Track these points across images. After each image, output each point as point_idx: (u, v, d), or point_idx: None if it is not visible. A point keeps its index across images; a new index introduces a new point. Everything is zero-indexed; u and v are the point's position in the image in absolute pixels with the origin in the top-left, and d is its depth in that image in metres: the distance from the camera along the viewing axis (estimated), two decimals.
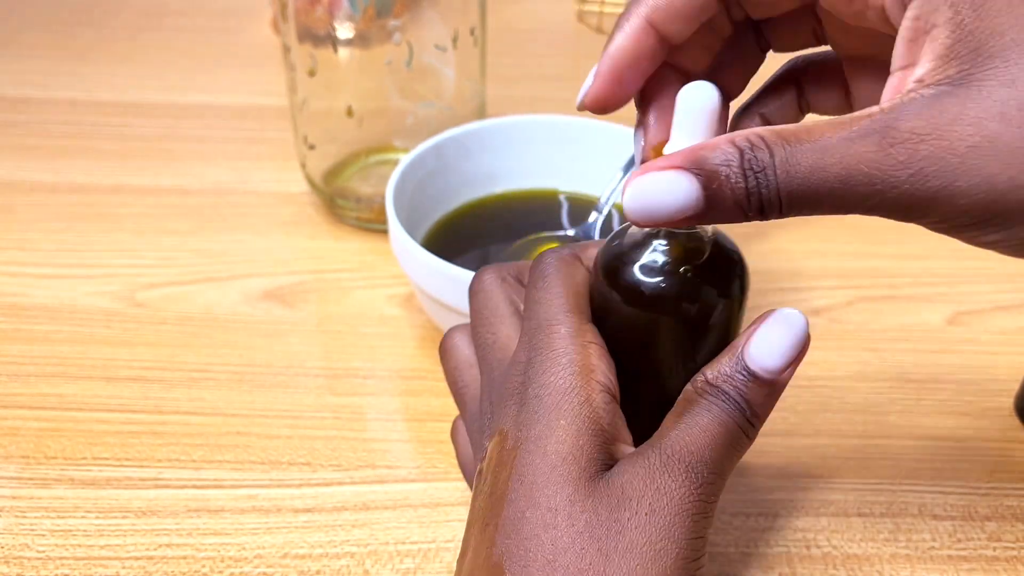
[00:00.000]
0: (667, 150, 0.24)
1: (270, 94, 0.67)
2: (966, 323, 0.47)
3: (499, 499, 0.24)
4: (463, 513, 0.37)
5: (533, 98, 0.68)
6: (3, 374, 0.43)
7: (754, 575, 0.35)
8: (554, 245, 0.45)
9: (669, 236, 0.25)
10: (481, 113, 0.55)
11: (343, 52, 0.50)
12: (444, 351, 0.30)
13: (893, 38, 0.24)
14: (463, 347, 0.30)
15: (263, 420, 0.41)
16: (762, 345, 0.24)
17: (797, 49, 0.29)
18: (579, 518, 0.23)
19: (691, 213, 0.22)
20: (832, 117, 0.22)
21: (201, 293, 0.48)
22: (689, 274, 0.25)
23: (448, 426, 0.34)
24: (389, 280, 0.50)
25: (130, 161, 0.60)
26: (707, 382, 0.24)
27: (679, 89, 0.24)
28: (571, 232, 0.46)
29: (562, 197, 0.51)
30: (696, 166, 0.22)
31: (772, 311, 0.25)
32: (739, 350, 0.24)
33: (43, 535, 0.35)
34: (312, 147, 0.53)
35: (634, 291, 0.25)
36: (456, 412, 0.32)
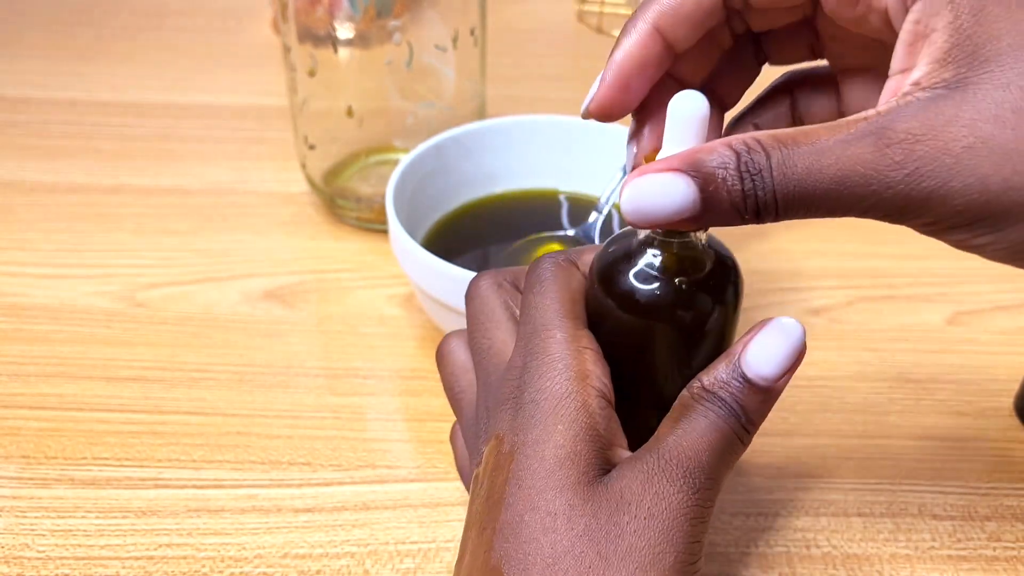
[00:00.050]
0: (659, 157, 0.24)
1: (270, 94, 0.67)
2: (966, 323, 0.47)
3: (496, 503, 0.25)
4: (463, 513, 0.37)
5: (533, 98, 0.68)
6: (3, 374, 0.43)
7: (754, 575, 0.35)
8: (554, 245, 0.46)
9: (664, 242, 0.26)
10: (481, 113, 0.55)
11: (343, 52, 0.50)
12: (440, 357, 0.31)
13: (888, 48, 0.25)
14: (459, 352, 0.30)
15: (263, 420, 0.41)
16: (759, 353, 0.24)
17: (793, 62, 0.29)
18: (578, 522, 0.23)
19: (688, 215, 0.22)
20: (829, 122, 0.22)
21: (201, 293, 0.48)
22: (683, 281, 0.25)
23: (448, 426, 0.34)
24: (389, 280, 0.50)
25: (130, 161, 0.60)
26: (703, 388, 0.25)
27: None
28: (571, 232, 0.46)
29: (562, 197, 0.51)
30: (693, 168, 0.22)
31: (769, 319, 0.25)
32: (736, 357, 0.25)
33: (43, 535, 0.35)
34: (312, 147, 0.53)
35: (629, 298, 0.26)
36: None
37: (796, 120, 0.29)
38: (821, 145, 0.22)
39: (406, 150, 0.49)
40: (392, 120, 0.53)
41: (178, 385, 0.43)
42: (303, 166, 0.54)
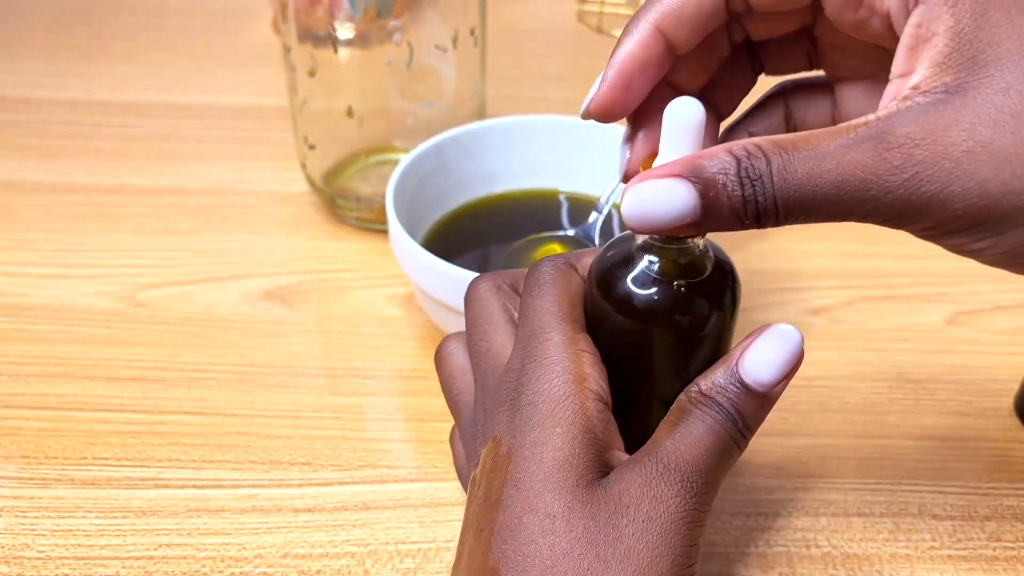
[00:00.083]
0: (655, 164, 0.24)
1: (270, 94, 0.67)
2: (966, 323, 0.47)
3: (494, 505, 0.25)
4: (463, 513, 0.37)
5: (533, 98, 0.68)
6: (4, 374, 0.43)
7: (754, 575, 0.35)
8: (554, 245, 0.46)
9: (662, 247, 0.26)
10: (481, 113, 0.55)
11: (343, 52, 0.50)
12: (439, 359, 0.31)
13: (887, 55, 0.25)
14: (458, 355, 0.30)
15: (263, 420, 0.41)
16: (757, 359, 0.24)
17: (790, 72, 0.29)
18: (577, 524, 0.23)
19: (688, 221, 0.22)
20: (829, 127, 0.23)
21: (201, 293, 0.48)
22: (681, 286, 0.26)
23: (449, 427, 0.34)
24: (389, 280, 0.50)
25: (130, 161, 0.60)
26: (701, 392, 0.25)
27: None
28: (571, 232, 0.46)
29: (562, 197, 0.51)
30: (693, 174, 0.22)
31: (768, 325, 0.25)
32: (734, 362, 0.25)
33: (43, 535, 0.35)
34: (312, 147, 0.53)
35: (627, 302, 0.26)
36: None
37: (791, 128, 0.30)
38: (821, 150, 0.22)
39: (406, 150, 0.49)
40: (392, 120, 0.53)
41: (178, 385, 0.43)
42: (303, 166, 0.54)
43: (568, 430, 0.24)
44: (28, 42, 0.75)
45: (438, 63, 0.51)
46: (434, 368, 0.31)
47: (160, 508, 0.37)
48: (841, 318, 0.48)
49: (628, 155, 0.27)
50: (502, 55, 0.71)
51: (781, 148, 0.22)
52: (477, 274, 0.37)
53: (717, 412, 0.24)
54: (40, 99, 0.67)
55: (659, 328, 0.26)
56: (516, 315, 0.28)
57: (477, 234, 0.49)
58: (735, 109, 0.30)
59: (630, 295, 0.26)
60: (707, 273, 0.26)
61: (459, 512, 0.37)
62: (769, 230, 0.54)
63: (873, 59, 0.27)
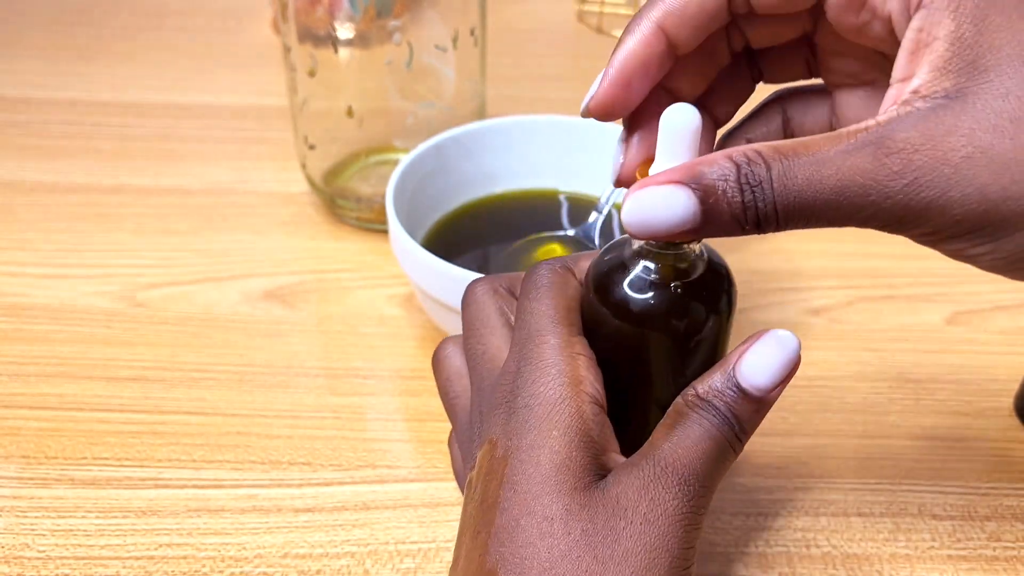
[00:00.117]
0: (652, 170, 0.25)
1: (270, 94, 0.67)
2: (965, 323, 0.47)
3: (490, 507, 0.25)
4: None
5: (533, 98, 0.68)
6: (4, 374, 0.43)
7: (754, 575, 0.35)
8: (554, 245, 0.46)
9: (658, 252, 0.26)
10: (481, 113, 0.55)
11: (343, 52, 0.50)
12: (436, 362, 0.31)
13: (887, 61, 0.25)
14: (454, 358, 0.30)
15: (263, 420, 0.41)
16: (754, 363, 0.25)
17: (788, 80, 0.29)
18: (575, 527, 0.23)
19: (689, 227, 0.22)
20: (828, 132, 0.23)
21: (201, 293, 0.48)
22: (678, 290, 0.26)
23: (449, 427, 0.34)
24: (389, 280, 0.50)
25: (130, 161, 0.60)
26: (698, 396, 0.25)
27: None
28: (571, 232, 0.46)
29: (562, 197, 0.51)
30: (693, 180, 0.22)
31: (766, 331, 0.25)
32: (731, 366, 0.25)
33: (43, 535, 0.35)
34: (312, 147, 0.53)
35: (623, 306, 0.26)
36: None
37: (789, 134, 0.30)
38: (821, 156, 0.22)
39: (406, 150, 0.49)
40: (392, 120, 0.54)
41: (178, 385, 0.43)
42: (303, 166, 0.54)
43: (565, 433, 0.24)
44: (28, 42, 0.75)
45: (438, 63, 0.51)
46: None
47: (160, 508, 0.37)
48: (841, 318, 0.48)
49: (621, 159, 0.27)
50: (502, 55, 0.71)
51: (781, 154, 0.22)
52: (477, 274, 0.38)
53: (714, 416, 0.24)
54: (40, 99, 0.67)
55: (656, 332, 0.26)
56: (512, 319, 0.28)
57: (477, 234, 0.49)
58: (732, 116, 0.30)
59: (627, 299, 0.26)
60: (703, 277, 0.26)
61: (459, 512, 0.37)
62: None
63: (872, 65, 0.27)
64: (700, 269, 0.26)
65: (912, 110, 0.22)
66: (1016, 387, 0.43)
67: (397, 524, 0.36)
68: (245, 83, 0.70)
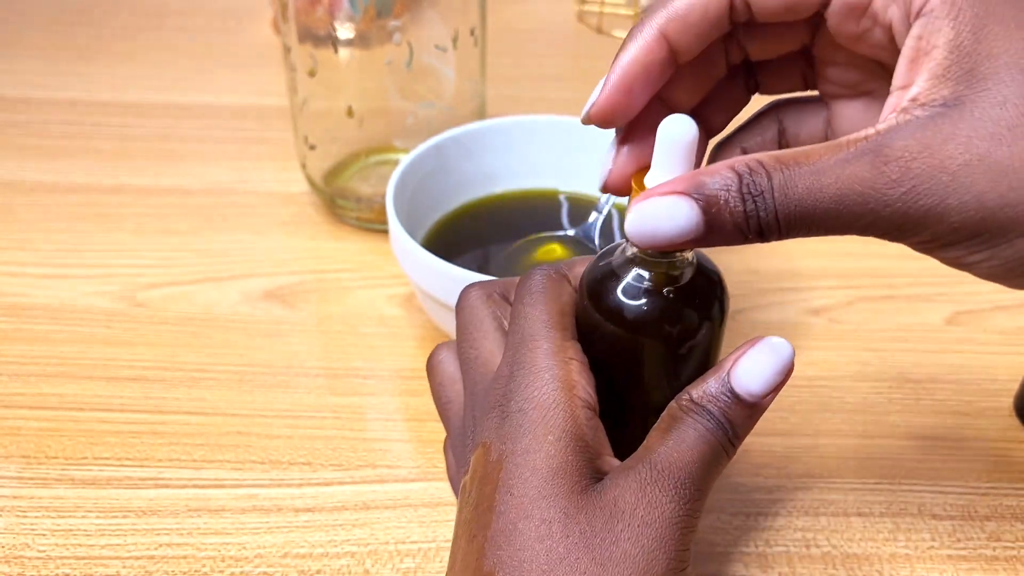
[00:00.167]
0: (647, 179, 0.25)
1: (270, 94, 0.67)
2: (965, 323, 0.47)
3: (486, 511, 0.25)
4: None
5: (533, 98, 0.68)
6: (4, 374, 0.43)
7: (754, 575, 0.35)
8: (554, 245, 0.46)
9: (652, 259, 0.26)
10: (481, 113, 0.55)
11: (343, 52, 0.50)
12: (430, 368, 0.31)
13: (886, 70, 0.25)
14: (448, 363, 0.30)
15: (263, 420, 0.41)
16: (748, 370, 0.25)
17: (785, 91, 0.29)
18: (573, 529, 0.24)
19: (692, 236, 0.23)
20: (829, 141, 0.23)
21: (201, 293, 0.48)
22: (671, 297, 0.26)
23: None
24: (389, 280, 0.50)
25: (130, 161, 0.60)
26: (692, 401, 0.25)
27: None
28: (571, 232, 0.46)
29: (562, 197, 0.51)
30: (696, 191, 0.22)
31: (760, 337, 0.25)
32: (725, 372, 0.25)
33: (44, 535, 0.36)
34: (312, 147, 0.53)
35: (617, 313, 0.26)
36: None
37: (784, 144, 0.30)
38: (821, 165, 0.22)
39: (406, 150, 0.49)
40: (392, 120, 0.54)
41: (178, 385, 0.43)
42: (303, 166, 0.54)
43: (560, 437, 0.25)
44: (28, 42, 0.75)
45: (438, 63, 0.51)
46: None
47: (160, 508, 0.37)
48: (841, 318, 0.48)
49: (610, 166, 0.27)
50: (502, 55, 0.71)
51: (782, 163, 0.22)
52: (477, 274, 0.38)
53: (708, 420, 0.25)
54: (40, 99, 0.67)
55: (649, 338, 0.26)
56: (506, 324, 0.29)
57: (477, 234, 0.49)
58: (725, 127, 0.30)
59: (621, 306, 0.26)
60: (696, 284, 0.26)
61: None
62: None
63: (869, 75, 0.27)
64: (693, 276, 0.27)
65: (911, 118, 0.22)
66: (1016, 387, 0.43)
67: (397, 524, 0.36)
68: (245, 83, 0.70)
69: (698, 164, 0.25)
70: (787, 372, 0.25)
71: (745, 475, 0.39)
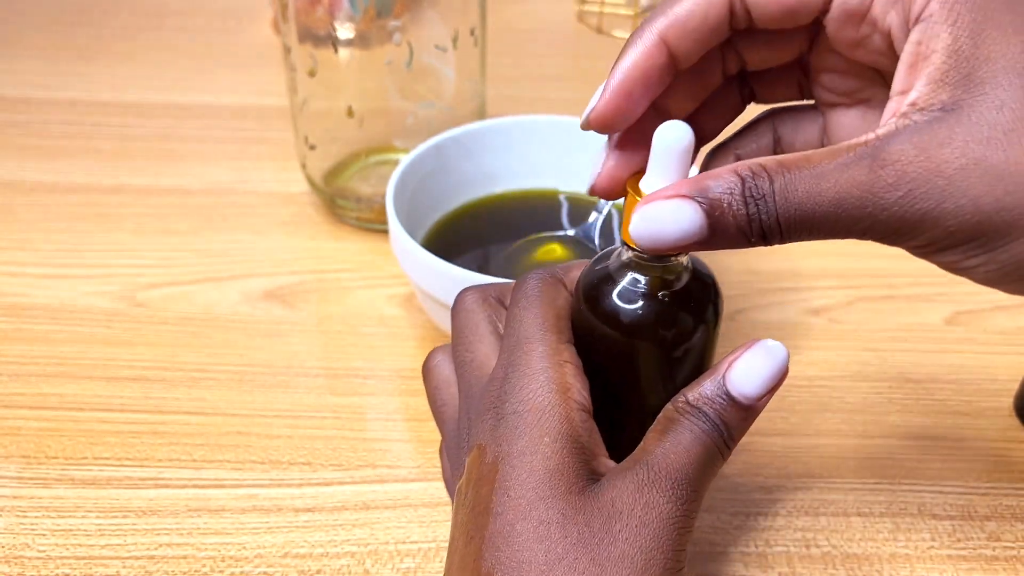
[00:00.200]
0: (642, 183, 0.25)
1: (270, 94, 0.67)
2: (965, 323, 0.47)
3: (482, 512, 0.25)
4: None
5: (533, 98, 0.68)
6: (4, 374, 0.43)
7: (754, 575, 0.35)
8: (554, 245, 0.46)
9: (647, 264, 0.26)
10: (481, 113, 0.55)
11: (343, 52, 0.50)
12: (426, 371, 0.31)
13: (880, 79, 0.26)
14: (444, 367, 0.31)
15: (263, 420, 0.41)
16: (744, 372, 0.25)
17: (780, 101, 0.30)
18: (571, 530, 0.24)
19: (696, 239, 0.23)
20: (830, 147, 0.23)
21: (201, 293, 0.48)
22: (667, 301, 0.26)
23: None
24: (389, 280, 0.50)
25: (130, 161, 0.60)
26: (688, 403, 0.25)
27: (654, 128, 0.25)
28: (571, 232, 0.47)
29: (562, 197, 0.51)
30: (700, 194, 0.23)
31: (755, 341, 0.26)
32: (720, 375, 0.25)
33: (44, 535, 0.36)
34: (312, 147, 0.53)
35: (613, 317, 0.27)
36: None
37: (779, 153, 0.30)
38: (821, 169, 0.22)
39: (406, 150, 0.49)
40: (392, 120, 0.54)
41: (178, 385, 0.43)
42: (303, 166, 0.54)
43: (556, 439, 0.25)
44: (28, 42, 0.75)
45: (438, 63, 0.51)
46: None
47: (160, 508, 0.37)
48: (841, 318, 0.48)
49: (599, 169, 0.28)
50: (502, 55, 0.71)
51: (784, 167, 0.23)
52: (477, 274, 0.38)
53: (704, 422, 0.25)
54: (40, 99, 0.67)
55: (644, 341, 0.27)
56: (501, 328, 0.29)
57: (477, 234, 0.49)
58: (716, 135, 0.30)
59: (616, 310, 0.26)
60: (691, 289, 0.27)
61: None
62: None
63: (866, 83, 0.27)
64: (687, 280, 0.27)
65: (910, 123, 0.22)
66: (1016, 387, 0.43)
67: (397, 524, 0.36)
68: (245, 83, 0.70)
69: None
70: (782, 374, 0.25)
71: (745, 475, 0.39)
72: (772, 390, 0.25)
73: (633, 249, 0.26)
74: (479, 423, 0.26)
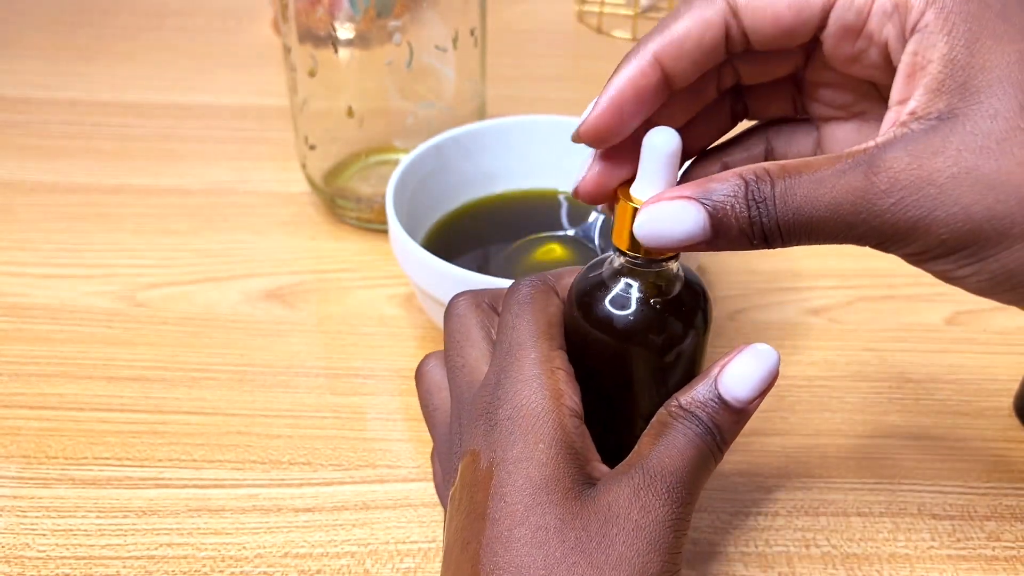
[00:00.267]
0: (633, 189, 0.26)
1: (270, 94, 0.67)
2: (965, 323, 0.47)
3: (478, 518, 0.25)
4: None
5: (533, 98, 0.68)
6: (4, 374, 0.43)
7: (754, 575, 0.35)
8: (554, 245, 0.46)
9: (640, 270, 0.27)
10: (481, 113, 0.55)
11: (343, 52, 0.50)
12: (418, 376, 0.31)
13: (874, 92, 0.26)
14: (436, 372, 0.31)
15: (263, 420, 0.41)
16: (735, 376, 0.25)
17: (773, 116, 0.30)
18: (569, 535, 0.24)
19: (699, 240, 0.23)
20: (831, 154, 0.24)
21: (201, 293, 0.48)
22: (658, 307, 0.27)
23: None
24: (389, 280, 0.50)
25: (130, 161, 0.60)
26: (681, 407, 0.26)
27: (643, 136, 0.25)
28: (571, 232, 0.47)
29: (562, 197, 0.51)
30: (704, 196, 0.23)
31: (747, 345, 0.26)
32: (712, 379, 0.26)
33: (44, 535, 0.36)
34: (313, 147, 0.53)
35: (605, 323, 0.27)
36: None
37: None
38: (820, 175, 0.23)
39: (406, 150, 0.49)
40: (392, 120, 0.54)
41: (179, 385, 0.43)
42: (303, 166, 0.54)
43: (551, 445, 0.25)
44: (28, 42, 0.75)
45: (438, 63, 0.51)
46: None
47: (160, 508, 0.37)
48: (841, 318, 0.48)
49: (585, 173, 0.28)
50: (502, 55, 0.71)
51: (786, 172, 0.23)
52: (477, 274, 0.38)
53: (697, 425, 0.25)
54: (40, 99, 0.67)
55: (637, 347, 0.27)
56: (494, 334, 0.29)
57: (477, 234, 0.49)
58: (704, 149, 0.30)
59: (610, 316, 0.27)
60: (681, 295, 0.27)
61: None
62: None
63: (861, 96, 0.27)
64: (678, 288, 0.27)
65: (907, 132, 0.23)
66: (1016, 387, 0.43)
67: (397, 524, 0.36)
68: (245, 83, 0.70)
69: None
70: (773, 378, 0.26)
71: (744, 475, 0.39)
72: (763, 393, 0.26)
73: (625, 254, 0.26)
74: (471, 429, 0.27)
